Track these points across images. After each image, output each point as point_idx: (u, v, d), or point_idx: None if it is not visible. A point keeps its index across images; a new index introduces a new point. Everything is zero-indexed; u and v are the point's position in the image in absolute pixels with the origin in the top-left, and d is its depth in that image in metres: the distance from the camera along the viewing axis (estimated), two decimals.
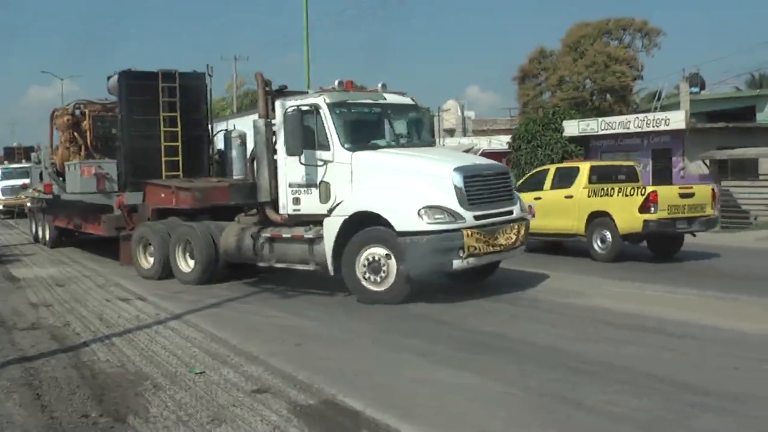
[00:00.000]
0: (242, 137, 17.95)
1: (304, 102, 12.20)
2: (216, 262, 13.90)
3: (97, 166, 17.24)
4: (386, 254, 11.13)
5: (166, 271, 14.62)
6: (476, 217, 11.14)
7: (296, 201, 12.30)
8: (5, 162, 42.38)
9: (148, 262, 15.21)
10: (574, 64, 48.71)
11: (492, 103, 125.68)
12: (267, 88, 12.91)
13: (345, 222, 11.48)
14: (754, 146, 28.84)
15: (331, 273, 11.77)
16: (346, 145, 11.82)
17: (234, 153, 17.69)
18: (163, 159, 16.70)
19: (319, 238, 11.83)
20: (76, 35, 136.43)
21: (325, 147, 11.89)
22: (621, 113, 41.62)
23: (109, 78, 18.06)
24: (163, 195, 15.46)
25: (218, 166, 18.06)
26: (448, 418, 6.17)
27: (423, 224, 10.78)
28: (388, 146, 12.43)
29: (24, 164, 39.28)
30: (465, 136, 54.88)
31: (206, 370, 7.74)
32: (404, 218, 10.91)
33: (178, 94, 16.94)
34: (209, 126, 18.11)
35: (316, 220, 11.99)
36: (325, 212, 11.81)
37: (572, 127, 34.50)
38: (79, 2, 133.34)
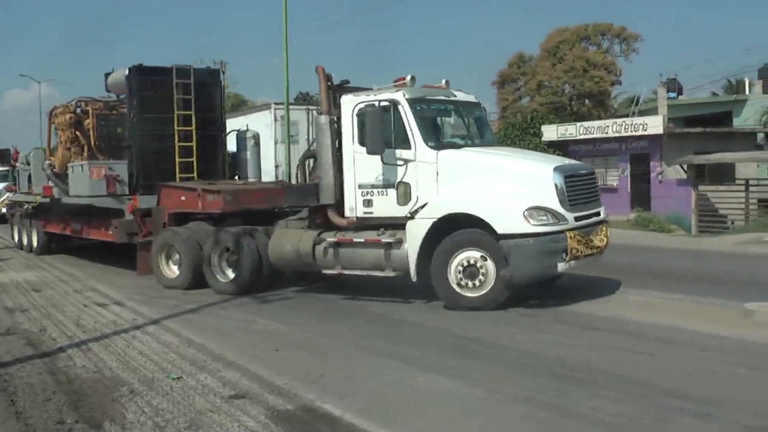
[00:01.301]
0: (256, 137, 17.48)
1: (380, 97, 11.46)
2: (260, 270, 13.06)
3: (107, 167, 16.06)
4: (482, 258, 10.58)
5: (195, 280, 13.61)
6: (576, 219, 10.79)
7: (368, 203, 11.61)
8: None
9: (172, 271, 14.18)
10: (552, 69, 48.86)
11: None
12: (329, 83, 12.23)
13: (433, 225, 10.88)
14: (731, 151, 29.09)
15: (414, 279, 11.16)
16: (430, 143, 11.23)
17: (248, 154, 17.14)
18: (177, 160, 15.86)
19: (398, 242, 11.25)
20: (52, 39, 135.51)
21: (405, 145, 11.23)
22: (599, 118, 41.88)
23: (107, 75, 17.50)
24: (183, 198, 14.63)
25: (230, 168, 17.30)
26: (428, 423, 6.16)
27: (528, 226, 10.32)
28: (466, 145, 11.96)
29: None
30: None
31: (183, 375, 7.68)
32: (507, 220, 10.42)
33: (193, 91, 16.16)
34: (224, 125, 17.38)
35: (389, 224, 11.47)
36: (404, 215, 11.21)
37: (551, 132, 34.70)
38: (56, 7, 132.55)
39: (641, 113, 38.13)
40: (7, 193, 34.98)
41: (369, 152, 11.26)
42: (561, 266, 10.50)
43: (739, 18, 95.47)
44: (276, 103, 29.23)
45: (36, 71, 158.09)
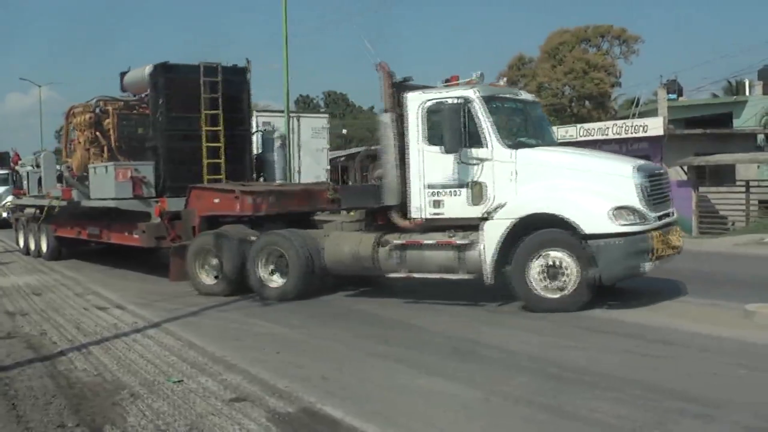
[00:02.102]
0: (282, 138, 17.19)
1: (452, 95, 11.21)
2: (312, 274, 12.55)
3: (133, 168, 15.45)
4: (564, 258, 10.37)
5: (236, 285, 13.09)
6: (657, 218, 10.68)
7: (437, 204, 11.29)
8: None
9: (209, 277, 13.58)
10: (552, 71, 48.97)
11: None
12: (392, 80, 11.86)
13: (513, 226, 10.62)
14: (731, 152, 29.02)
15: (490, 281, 10.90)
16: (506, 142, 11.00)
17: (275, 155, 16.77)
18: (205, 161, 15.45)
19: (472, 243, 10.96)
20: (50, 40, 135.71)
21: (477, 144, 10.95)
22: (599, 120, 41.92)
23: (122, 74, 17.17)
24: (217, 200, 14.02)
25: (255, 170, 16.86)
26: (428, 425, 6.16)
27: (615, 226, 10.17)
28: (537, 144, 11.67)
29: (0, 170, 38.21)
30: None
31: (184, 378, 7.67)
32: (594, 220, 10.25)
33: (221, 90, 15.72)
34: (251, 125, 16.99)
35: (458, 225, 11.22)
36: (478, 215, 10.92)
37: None
38: (54, 8, 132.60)
39: (641, 115, 38.08)
40: (9, 197, 34.92)
41: (446, 151, 10.99)
42: (647, 266, 10.38)
43: (739, 19, 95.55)
44: (258, 111, 28.88)
45: (35, 73, 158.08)
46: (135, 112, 17.71)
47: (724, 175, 29.64)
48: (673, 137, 30.95)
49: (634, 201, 10.43)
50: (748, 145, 31.55)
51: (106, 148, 17.41)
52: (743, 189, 26.55)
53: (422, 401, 6.79)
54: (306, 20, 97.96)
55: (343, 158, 51.38)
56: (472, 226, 11.07)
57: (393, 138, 11.59)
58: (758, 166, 30.23)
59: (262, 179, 16.78)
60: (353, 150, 56.22)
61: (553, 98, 48.64)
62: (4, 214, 34.61)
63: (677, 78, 43.95)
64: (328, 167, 27.58)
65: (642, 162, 11.59)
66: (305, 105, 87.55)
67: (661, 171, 11.68)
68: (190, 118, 15.50)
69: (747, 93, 43.61)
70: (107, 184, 15.58)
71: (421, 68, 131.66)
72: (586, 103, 49.74)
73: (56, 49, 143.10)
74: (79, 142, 18.04)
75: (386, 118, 11.66)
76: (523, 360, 8.12)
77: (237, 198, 13.62)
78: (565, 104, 48.97)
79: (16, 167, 39.99)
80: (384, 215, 12.01)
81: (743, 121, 38.42)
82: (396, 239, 11.61)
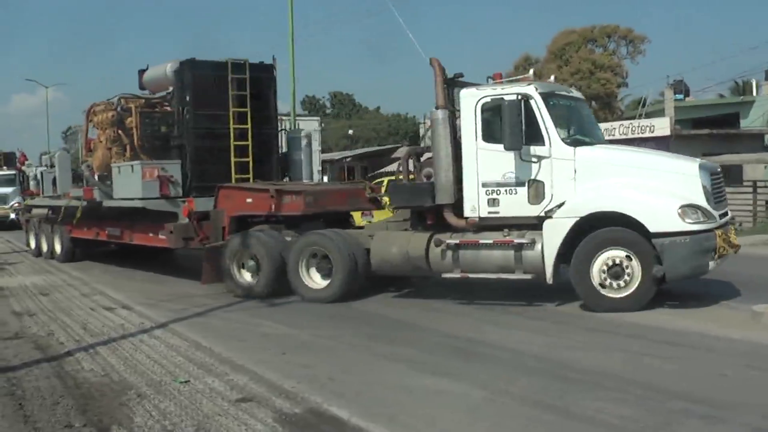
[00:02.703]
0: (308, 137, 16.94)
1: (509, 91, 10.99)
2: (357, 275, 12.25)
3: (160, 167, 14.98)
4: (627, 257, 10.26)
5: (276, 287, 12.77)
6: (720, 216, 10.64)
7: (493, 202, 11.08)
8: None
9: (245, 278, 13.19)
10: (559, 71, 48.82)
11: None
12: (444, 76, 11.67)
13: (575, 224, 10.51)
14: (738, 152, 29.02)
15: (550, 281, 10.78)
16: (565, 140, 10.91)
17: (301, 155, 16.48)
18: (233, 160, 15.07)
19: (531, 242, 10.79)
20: (51, 41, 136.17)
21: (536, 141, 10.79)
22: (606, 120, 41.80)
23: (141, 71, 16.90)
24: (250, 200, 13.69)
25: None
26: (433, 425, 6.17)
27: (683, 224, 10.06)
28: (591, 142, 11.48)
29: (6, 171, 37.55)
30: None
31: (191, 379, 7.68)
32: (661, 218, 10.14)
33: (248, 87, 15.34)
34: (278, 124, 16.78)
35: (512, 224, 11.07)
36: (537, 214, 10.81)
37: None
38: (53, 9, 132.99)
39: (648, 115, 38.10)
40: (17, 198, 34.88)
41: (507, 149, 10.77)
42: (711, 265, 10.32)
43: (744, 18, 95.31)
44: None
45: (34, 73, 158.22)
46: (157, 110, 17.25)
47: (731, 176, 29.49)
48: (680, 137, 30.96)
49: (701, 199, 10.35)
50: (756, 146, 31.52)
51: (128, 147, 16.80)
52: (750, 189, 26.46)
53: (428, 402, 6.78)
54: (311, 20, 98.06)
55: (349, 159, 51.47)
56: (526, 225, 10.98)
57: (447, 135, 11.39)
58: (765, 167, 30.13)
59: (286, 179, 16.43)
60: (359, 150, 56.36)
61: None
62: (12, 216, 34.38)
63: (684, 78, 43.93)
64: (320, 168, 27.56)
65: (703, 161, 11.52)
66: (311, 106, 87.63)
67: (719, 170, 11.55)
68: (217, 116, 15.11)
69: (754, 93, 43.52)
70: (133, 183, 15.16)
71: (423, 70, 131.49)
72: (593, 103, 49.55)
73: (57, 49, 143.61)
74: (100, 141, 17.53)
75: (439, 115, 11.48)
76: (529, 360, 8.11)
77: (272, 197, 13.31)
78: None
79: (23, 167, 39.96)
80: (434, 214, 11.80)
81: (750, 122, 38.33)
82: (449, 239, 11.35)
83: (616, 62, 50.46)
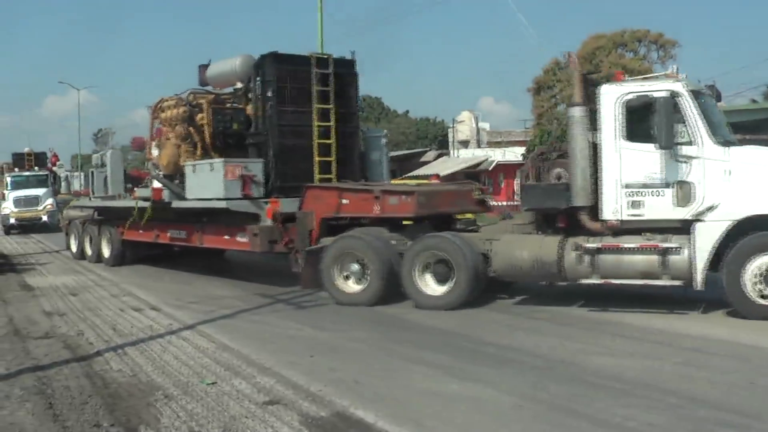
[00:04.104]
0: (386, 136, 16.62)
1: (657, 88, 10.54)
2: (479, 281, 11.62)
3: (243, 166, 14.26)
4: None
5: (385, 293, 12.10)
6: None
7: (635, 204, 10.58)
8: (15, 169, 37.92)
9: (349, 284, 12.46)
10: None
11: (507, 114, 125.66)
12: (583, 72, 11.33)
13: (730, 228, 10.02)
14: None
15: (699, 287, 10.21)
16: (717, 139, 10.41)
17: (380, 155, 16.09)
18: (316, 159, 14.57)
19: (678, 247, 10.27)
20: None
21: (686, 140, 10.35)
22: None
23: (202, 67, 16.50)
24: (346, 201, 13.04)
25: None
26: (460, 430, 6.14)
27: None
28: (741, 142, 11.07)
29: (38, 171, 37.14)
30: (479, 147, 54.86)
31: (218, 380, 7.72)
32: None
33: (332, 83, 14.91)
34: (359, 122, 16.32)
35: (653, 228, 10.63)
36: (684, 217, 10.33)
37: None
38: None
39: None
40: (50, 199, 35.11)
41: (661, 147, 10.28)
42: None
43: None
44: None
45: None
46: (228, 106, 16.46)
47: None
48: None
49: None
50: None
51: (199, 145, 16.21)
52: None
53: (455, 407, 6.75)
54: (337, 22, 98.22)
55: None
56: (670, 228, 10.55)
57: (584, 134, 10.92)
58: None
59: (365, 179, 15.68)
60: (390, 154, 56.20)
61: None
62: (44, 218, 34.40)
63: (715, 83, 43.27)
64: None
65: None
66: None
67: None
68: (300, 113, 14.62)
69: None
70: (213, 182, 14.32)
71: (454, 75, 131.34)
72: None
73: (88, 50, 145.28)
74: (169, 138, 16.54)
75: (576, 112, 11.03)
76: (557, 366, 8.07)
77: (377, 198, 12.66)
78: None
79: (54, 168, 40.23)
80: (566, 217, 11.33)
81: None
82: (587, 243, 10.84)
83: (646, 67, 49.92)
